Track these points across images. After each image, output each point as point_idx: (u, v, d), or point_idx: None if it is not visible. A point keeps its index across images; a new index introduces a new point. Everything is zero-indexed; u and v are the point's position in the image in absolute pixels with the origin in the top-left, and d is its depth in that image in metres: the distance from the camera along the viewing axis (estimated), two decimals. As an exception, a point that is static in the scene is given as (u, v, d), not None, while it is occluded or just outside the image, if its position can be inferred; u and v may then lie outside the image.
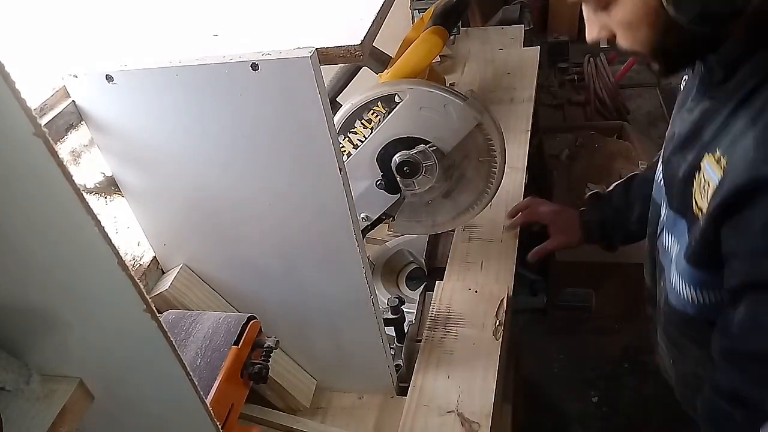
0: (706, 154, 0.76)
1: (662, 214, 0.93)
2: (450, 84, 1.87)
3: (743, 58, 0.72)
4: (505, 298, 1.11)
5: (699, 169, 0.78)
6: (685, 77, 0.92)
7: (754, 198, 0.67)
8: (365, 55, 0.69)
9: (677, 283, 0.86)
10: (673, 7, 0.67)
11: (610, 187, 1.22)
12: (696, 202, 0.79)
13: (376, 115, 1.00)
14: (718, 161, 0.73)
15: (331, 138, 0.72)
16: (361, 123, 1.01)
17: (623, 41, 0.77)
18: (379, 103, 0.99)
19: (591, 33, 0.80)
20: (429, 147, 1.00)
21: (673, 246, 0.88)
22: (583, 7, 0.79)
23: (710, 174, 0.74)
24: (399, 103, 0.98)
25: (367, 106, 1.00)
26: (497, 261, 1.20)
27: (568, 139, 2.72)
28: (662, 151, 0.94)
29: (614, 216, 1.18)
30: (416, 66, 1.02)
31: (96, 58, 0.76)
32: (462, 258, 1.23)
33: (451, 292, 1.14)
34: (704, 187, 0.76)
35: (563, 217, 1.23)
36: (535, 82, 1.78)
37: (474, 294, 1.13)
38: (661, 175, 0.93)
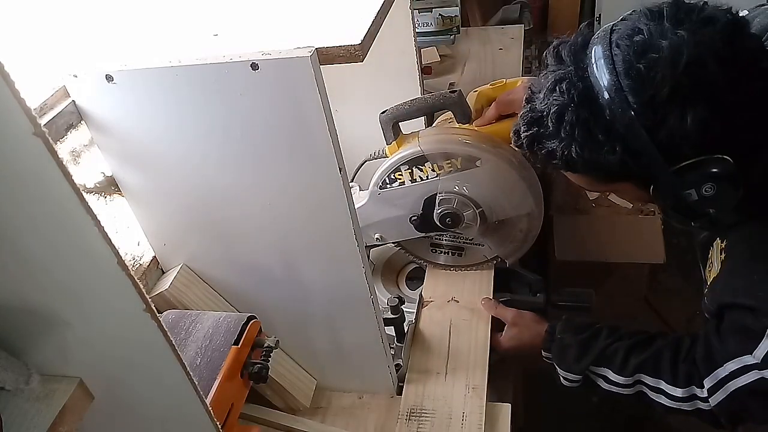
0: (717, 238, 0.89)
1: None
2: (450, 83, 1.87)
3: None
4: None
5: (712, 245, 0.90)
6: None
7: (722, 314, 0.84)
8: (365, 55, 0.69)
9: None
10: (664, 215, 0.82)
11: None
12: (707, 270, 0.92)
13: (450, 166, 1.04)
14: (721, 252, 0.86)
15: (331, 138, 0.72)
16: (432, 165, 1.05)
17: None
18: (459, 158, 1.03)
19: (592, 196, 0.98)
20: (477, 210, 1.07)
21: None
22: None
23: (715, 256, 0.88)
24: (476, 166, 1.03)
25: (446, 155, 1.03)
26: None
27: (568, 139, 2.71)
28: None
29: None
30: (506, 137, 1.00)
31: (96, 58, 0.76)
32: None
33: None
34: (709, 265, 0.90)
35: (525, 318, 1.10)
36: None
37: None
38: None
